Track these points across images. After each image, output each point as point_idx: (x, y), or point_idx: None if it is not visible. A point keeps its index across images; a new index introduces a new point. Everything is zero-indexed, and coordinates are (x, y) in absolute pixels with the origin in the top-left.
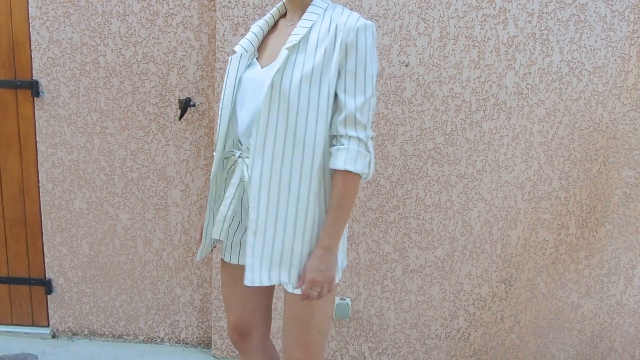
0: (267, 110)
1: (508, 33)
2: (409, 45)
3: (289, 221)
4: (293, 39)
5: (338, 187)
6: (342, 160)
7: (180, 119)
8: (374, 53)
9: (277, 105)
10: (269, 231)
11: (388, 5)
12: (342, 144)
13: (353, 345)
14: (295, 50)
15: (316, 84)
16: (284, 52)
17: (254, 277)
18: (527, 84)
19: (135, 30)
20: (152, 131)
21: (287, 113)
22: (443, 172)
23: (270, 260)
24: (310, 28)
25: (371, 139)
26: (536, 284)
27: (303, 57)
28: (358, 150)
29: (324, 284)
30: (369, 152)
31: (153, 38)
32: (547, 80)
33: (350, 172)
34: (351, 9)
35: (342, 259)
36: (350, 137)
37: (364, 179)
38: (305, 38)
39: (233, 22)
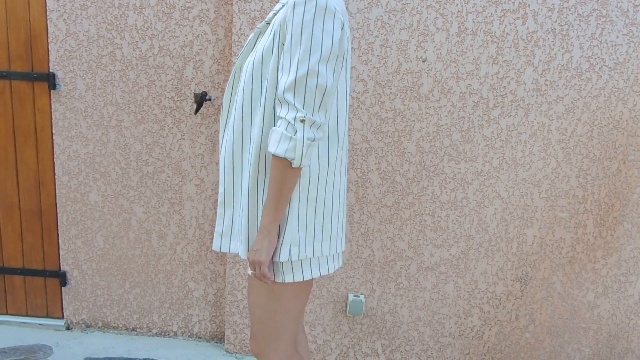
0: (229, 94)
1: (527, 28)
2: (427, 41)
3: (243, 198)
4: (259, 24)
5: (270, 169)
6: (271, 142)
7: (196, 113)
8: (314, 27)
9: (237, 89)
10: (230, 205)
11: (406, 0)
12: (275, 125)
13: (366, 342)
14: (261, 35)
15: (266, 65)
16: (251, 38)
17: (220, 244)
18: (546, 80)
19: (151, 23)
20: (168, 125)
21: (242, 96)
22: (459, 169)
23: (231, 231)
24: (278, 11)
25: (302, 121)
26: (552, 283)
27: (262, 41)
28: (283, 132)
29: (255, 265)
30: (294, 136)
31: (169, 31)
32: (567, 76)
33: (275, 155)
34: (369, 3)
35: (296, 250)
36: (280, 117)
37: (295, 165)
38: (270, 22)
39: (250, 15)
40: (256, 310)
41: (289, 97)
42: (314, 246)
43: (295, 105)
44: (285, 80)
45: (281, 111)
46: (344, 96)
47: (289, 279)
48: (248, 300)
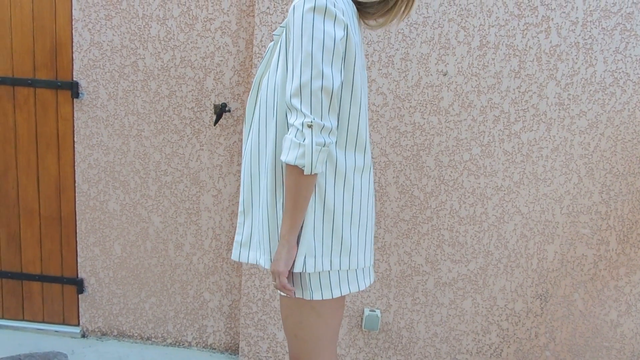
0: (251, 105)
1: (550, 42)
2: (448, 54)
3: (262, 208)
4: (276, 31)
5: (285, 178)
6: (283, 150)
7: (215, 124)
8: (314, 29)
9: (257, 101)
10: (249, 214)
11: (427, 13)
12: (287, 133)
13: (382, 357)
14: (276, 43)
15: (279, 73)
16: (270, 46)
17: (239, 254)
18: (569, 94)
19: (174, 34)
20: (187, 135)
21: (260, 106)
22: (479, 184)
23: (250, 241)
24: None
25: (309, 126)
26: (573, 301)
27: (276, 49)
28: (292, 139)
29: (275, 275)
30: (303, 142)
31: (191, 42)
32: (590, 90)
33: (286, 163)
34: None
35: (312, 261)
36: (290, 124)
37: (307, 172)
38: (285, 26)
39: (271, 28)
40: (289, 328)
41: (296, 102)
42: (332, 259)
43: (302, 110)
44: (290, 86)
45: (290, 118)
46: (358, 101)
47: (317, 296)
48: (282, 320)
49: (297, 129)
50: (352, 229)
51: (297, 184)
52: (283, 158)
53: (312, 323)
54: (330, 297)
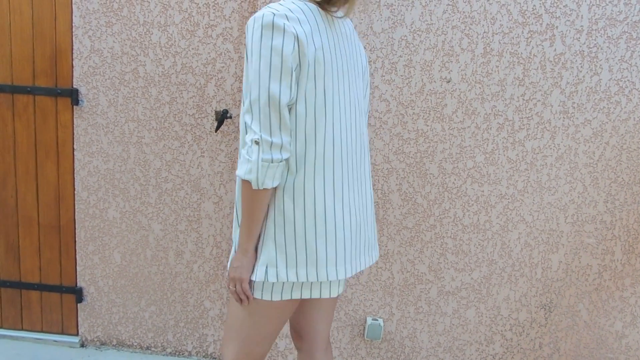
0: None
1: (555, 50)
2: (452, 61)
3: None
4: None
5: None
6: (238, 164)
7: (216, 130)
8: (262, 47)
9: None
10: (236, 222)
11: (431, 20)
12: (242, 148)
13: None
14: None
15: None
16: None
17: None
18: (574, 102)
19: (175, 40)
20: (188, 142)
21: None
22: (483, 191)
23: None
24: None
25: (256, 143)
26: (578, 311)
27: None
28: (244, 155)
29: (231, 281)
30: (251, 158)
31: (193, 49)
32: (595, 99)
33: (238, 176)
34: (393, 23)
35: (274, 271)
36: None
37: (254, 187)
38: None
39: None
40: (229, 318)
41: (248, 119)
42: (297, 270)
43: (252, 127)
44: (244, 104)
45: (244, 134)
46: (329, 109)
47: (266, 296)
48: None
49: (248, 145)
50: (319, 241)
51: (249, 196)
52: (237, 172)
53: (244, 317)
54: (280, 299)
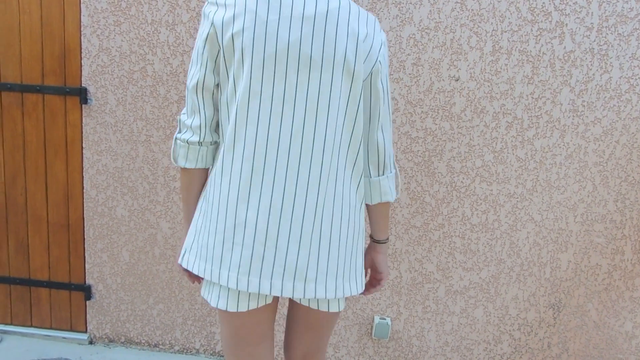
0: None
1: (564, 48)
2: (460, 60)
3: None
4: None
5: None
6: None
7: None
8: (199, 32)
9: None
10: None
11: (439, 18)
12: None
13: None
14: None
15: None
16: None
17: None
18: (583, 101)
19: (183, 39)
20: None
21: None
22: (491, 190)
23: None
24: None
25: (179, 120)
26: (587, 311)
27: None
28: None
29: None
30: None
31: None
32: (605, 97)
33: None
34: (401, 21)
35: (187, 257)
36: None
37: (174, 163)
38: None
39: None
40: None
41: None
42: (195, 261)
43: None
44: None
45: None
46: (245, 96)
47: (203, 293)
48: None
49: None
50: (217, 237)
51: (181, 175)
52: None
53: (219, 322)
54: (214, 305)
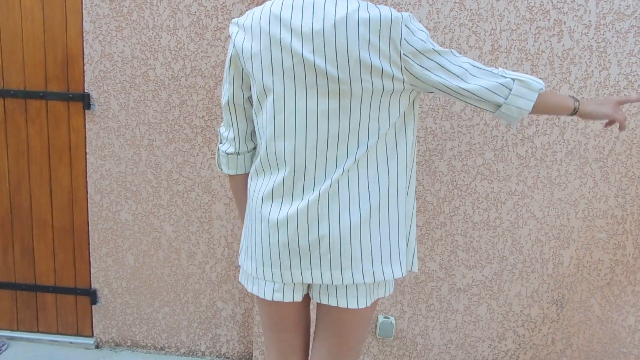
0: None
1: (563, 46)
2: None
3: None
4: None
5: None
6: None
7: None
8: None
9: None
10: None
11: (438, 18)
12: None
13: None
14: None
15: None
16: None
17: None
18: (583, 97)
19: (184, 44)
20: (198, 144)
21: None
22: (492, 188)
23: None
24: None
25: (220, 135)
26: (590, 306)
27: None
28: None
29: None
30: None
31: (202, 52)
32: (604, 94)
33: None
34: None
35: (240, 254)
36: None
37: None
38: None
39: None
40: None
41: None
42: (246, 261)
43: None
44: None
45: None
46: (262, 111)
47: (240, 279)
48: None
49: None
50: (252, 237)
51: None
52: None
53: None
54: (249, 291)
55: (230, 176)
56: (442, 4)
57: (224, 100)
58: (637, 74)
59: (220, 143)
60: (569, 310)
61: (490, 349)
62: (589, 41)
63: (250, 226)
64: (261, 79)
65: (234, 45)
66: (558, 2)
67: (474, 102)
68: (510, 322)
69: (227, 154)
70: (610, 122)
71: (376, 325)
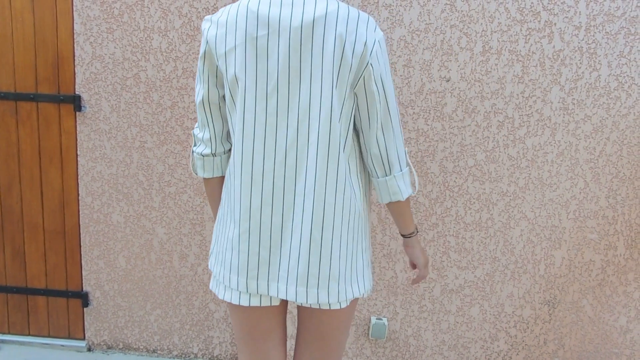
0: None
1: (553, 47)
2: (451, 60)
3: None
4: None
5: None
6: None
7: None
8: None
9: None
10: None
11: (429, 19)
12: None
13: None
14: None
15: None
16: None
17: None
18: (573, 99)
19: (175, 45)
20: (190, 146)
21: None
22: (484, 189)
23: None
24: None
25: (193, 134)
26: (582, 307)
27: None
28: None
29: None
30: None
31: (193, 53)
32: (594, 95)
33: None
34: (392, 23)
35: (210, 259)
36: None
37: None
38: None
39: None
40: None
41: None
42: (215, 264)
43: None
44: None
45: None
46: (237, 110)
47: (211, 287)
48: None
49: None
50: (224, 243)
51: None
52: None
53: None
54: (216, 293)
55: (206, 179)
56: (433, 5)
57: (197, 100)
58: (628, 75)
59: (194, 145)
60: (560, 310)
61: (482, 349)
62: (579, 42)
63: (222, 230)
64: (235, 79)
65: (207, 41)
66: (548, 3)
67: (377, 151)
68: (503, 322)
69: (203, 155)
70: (417, 275)
71: (369, 327)
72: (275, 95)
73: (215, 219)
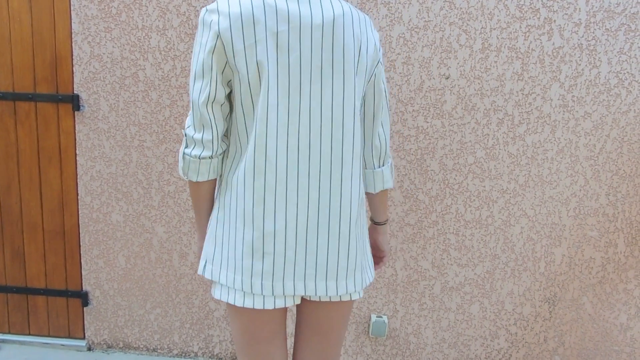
0: None
1: (553, 44)
2: (450, 58)
3: None
4: None
5: None
6: None
7: None
8: (195, 44)
9: None
10: None
11: (429, 17)
12: None
13: None
14: None
15: None
16: None
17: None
18: (573, 96)
19: (174, 44)
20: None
21: None
22: (484, 187)
23: None
24: None
25: (185, 135)
26: (582, 304)
27: None
28: None
29: None
30: (180, 149)
31: (191, 52)
32: (594, 92)
33: None
34: (391, 21)
35: (210, 267)
36: None
37: (183, 178)
38: None
39: None
40: None
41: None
42: (221, 271)
43: (186, 120)
44: None
45: None
46: (263, 115)
47: (216, 294)
48: None
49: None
50: (231, 247)
51: (190, 187)
52: None
53: (230, 321)
54: (219, 298)
55: (197, 183)
56: (432, 2)
57: (200, 98)
58: (628, 72)
59: (187, 147)
60: (561, 308)
61: (483, 347)
62: (579, 39)
63: (231, 235)
64: (257, 75)
65: (217, 35)
66: (548, 0)
67: (378, 144)
68: (503, 320)
69: (201, 158)
70: (381, 258)
71: (369, 325)
72: (298, 93)
73: (199, 224)
